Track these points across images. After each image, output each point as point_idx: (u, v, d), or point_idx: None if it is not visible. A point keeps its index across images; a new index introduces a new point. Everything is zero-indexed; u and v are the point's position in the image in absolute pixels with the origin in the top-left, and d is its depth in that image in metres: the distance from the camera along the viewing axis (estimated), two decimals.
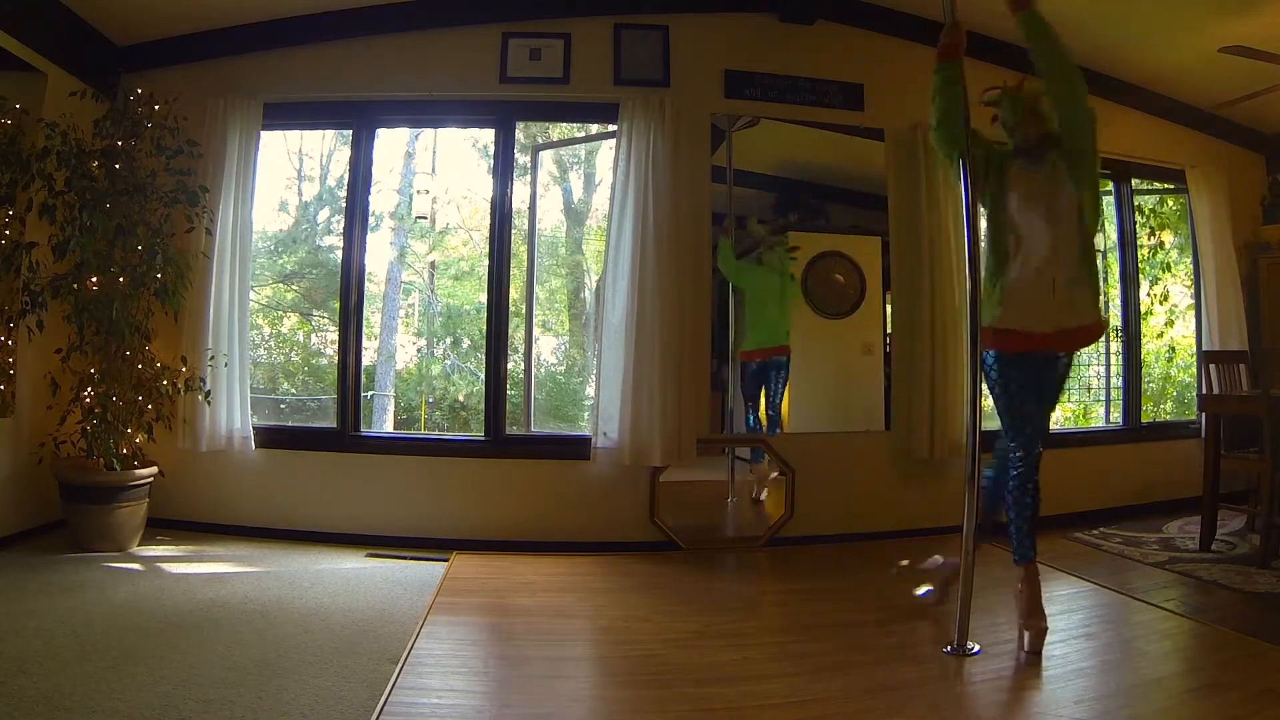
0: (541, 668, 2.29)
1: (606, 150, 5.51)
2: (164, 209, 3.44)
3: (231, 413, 3.60)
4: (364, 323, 4.07)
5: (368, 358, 6.26)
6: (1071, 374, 3.79)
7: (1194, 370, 4.90)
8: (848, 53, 4.01)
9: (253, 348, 4.83)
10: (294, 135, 6.57)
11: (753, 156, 4.02)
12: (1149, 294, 4.93)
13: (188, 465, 3.61)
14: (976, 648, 2.35)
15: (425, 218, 6.83)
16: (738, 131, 3.94)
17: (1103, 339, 4.84)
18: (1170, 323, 5.06)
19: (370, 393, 6.49)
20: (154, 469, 3.44)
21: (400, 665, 2.19)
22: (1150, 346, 4.97)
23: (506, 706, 2.05)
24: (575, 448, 3.67)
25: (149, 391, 3.43)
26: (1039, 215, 2.35)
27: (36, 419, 3.37)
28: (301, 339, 6.66)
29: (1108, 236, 5.04)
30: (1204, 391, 4.10)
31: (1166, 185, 4.98)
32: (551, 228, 6.85)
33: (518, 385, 4.44)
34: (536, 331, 5.35)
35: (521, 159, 4.44)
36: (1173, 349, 5.20)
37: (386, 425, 6.66)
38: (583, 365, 6.56)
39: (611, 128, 3.79)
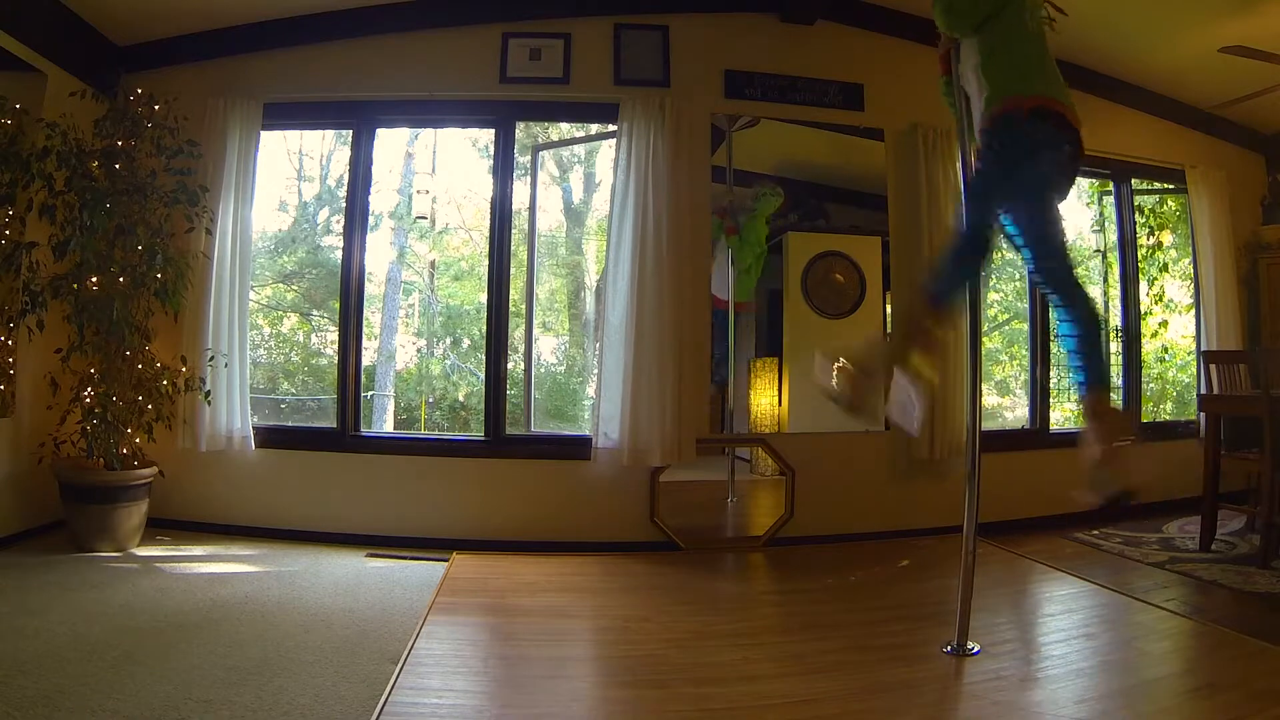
0: (541, 668, 2.28)
1: (606, 150, 5.52)
2: (164, 209, 3.44)
3: (231, 413, 3.60)
4: (364, 323, 4.07)
5: (368, 358, 6.26)
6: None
7: (1193, 370, 4.90)
8: (848, 53, 4.01)
9: (253, 348, 4.83)
10: (294, 135, 6.58)
11: (753, 156, 4.02)
12: (1149, 294, 4.93)
13: (188, 465, 3.61)
14: (976, 648, 2.35)
15: (425, 218, 6.83)
16: (738, 131, 3.95)
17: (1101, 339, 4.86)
18: (1165, 324, 5.06)
19: (370, 393, 6.50)
20: (154, 469, 3.44)
21: (400, 665, 2.19)
22: (1148, 346, 4.96)
23: (506, 706, 2.04)
24: (575, 448, 3.67)
25: (149, 391, 3.43)
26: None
27: (36, 419, 3.37)
28: (301, 339, 6.66)
29: (1107, 237, 5.05)
30: (1204, 391, 4.09)
31: (1166, 185, 4.98)
32: (551, 228, 6.85)
33: (518, 385, 4.44)
34: (536, 331, 5.36)
35: (521, 159, 4.45)
36: (1166, 349, 5.19)
37: (386, 425, 6.66)
38: (583, 365, 6.56)
39: (611, 128, 3.79)
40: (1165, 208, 5.14)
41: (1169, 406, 5.33)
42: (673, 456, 3.53)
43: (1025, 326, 4.70)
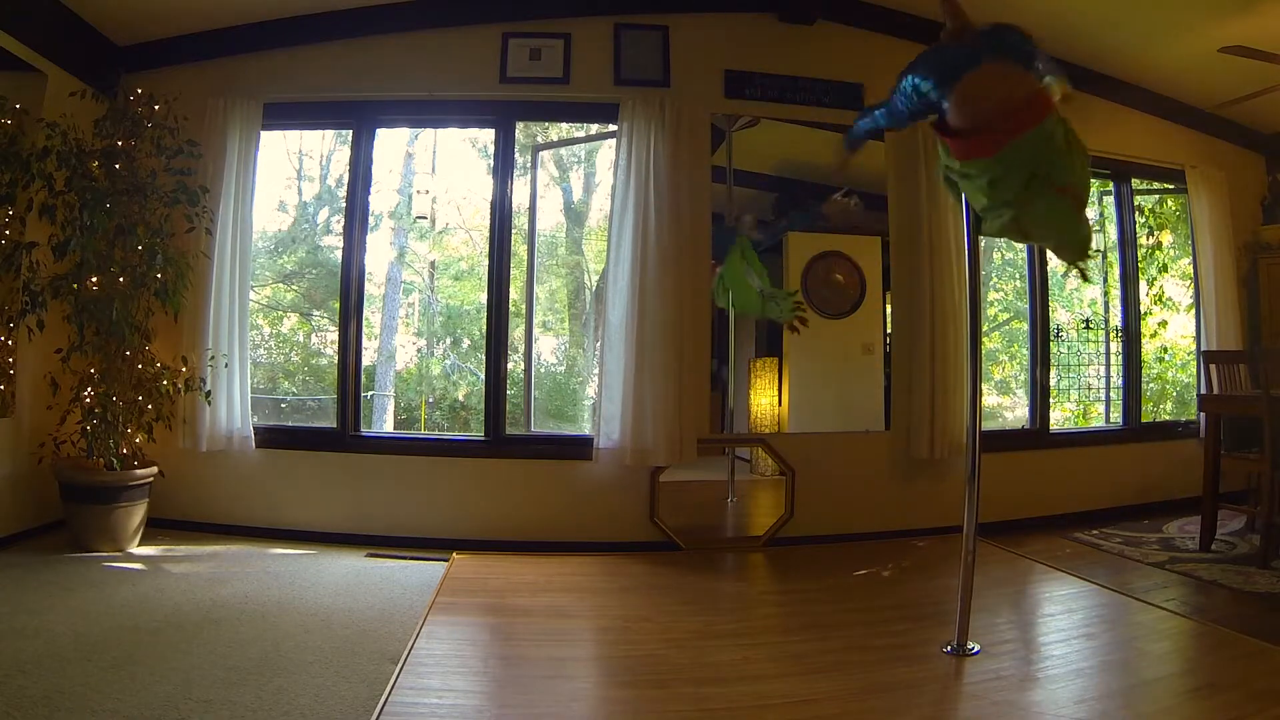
0: (541, 668, 2.29)
1: (606, 150, 5.51)
2: (164, 209, 3.44)
3: (231, 413, 3.60)
4: (364, 323, 4.07)
5: (368, 358, 6.26)
6: (1072, 373, 3.59)
7: (1193, 370, 4.90)
8: (848, 53, 4.01)
9: (253, 348, 4.83)
10: (294, 135, 6.57)
11: (753, 156, 4.02)
12: (1148, 294, 4.93)
13: (188, 465, 3.61)
14: (976, 648, 2.35)
15: (425, 218, 6.83)
16: (738, 131, 3.94)
17: (1103, 339, 4.87)
18: (1165, 324, 5.06)
19: (370, 393, 6.49)
20: (154, 469, 3.44)
21: (400, 665, 2.19)
22: (1148, 346, 4.97)
23: (506, 706, 2.05)
24: (575, 448, 3.67)
25: (149, 391, 3.43)
26: None
27: (36, 419, 3.37)
28: (301, 339, 6.66)
29: (1107, 236, 5.05)
30: (1204, 391, 4.10)
31: (1166, 185, 4.98)
32: (551, 228, 6.85)
33: (518, 385, 4.44)
34: (536, 331, 5.36)
35: (521, 159, 4.44)
36: (1166, 349, 5.20)
37: (386, 425, 6.66)
38: (583, 365, 6.56)
39: (611, 128, 3.79)
40: (1165, 208, 5.14)
41: (1169, 406, 5.33)
42: (675, 456, 3.54)
43: (1025, 326, 4.70)
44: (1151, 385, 5.18)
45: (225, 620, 2.51)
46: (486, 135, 5.41)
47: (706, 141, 3.84)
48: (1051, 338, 4.53)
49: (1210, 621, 2.61)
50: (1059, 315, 5.95)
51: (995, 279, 6.98)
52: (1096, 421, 4.98)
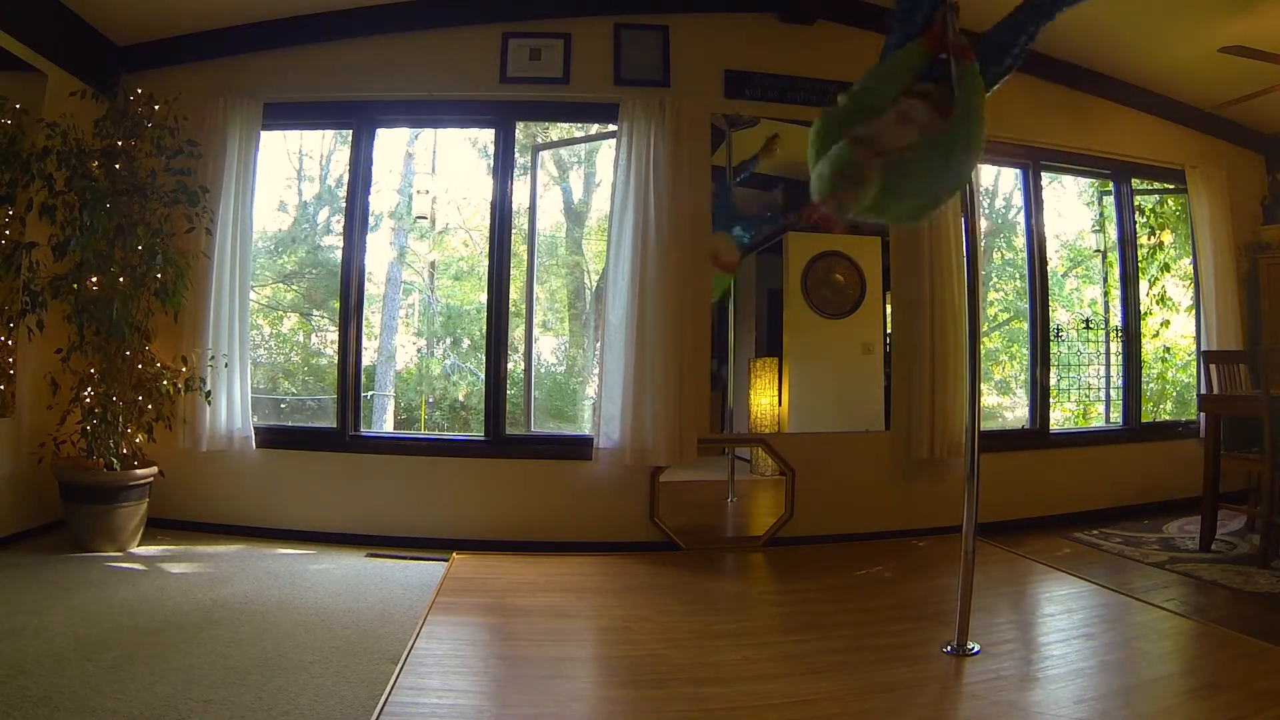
0: (541, 668, 2.29)
1: (606, 150, 5.52)
2: (164, 209, 3.44)
3: (232, 413, 3.60)
4: (364, 323, 4.07)
5: (368, 358, 6.27)
6: (1072, 373, 3.59)
7: (1193, 370, 4.90)
8: (848, 53, 3.99)
9: (253, 348, 4.83)
10: (294, 135, 6.58)
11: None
12: (1149, 294, 4.93)
13: (188, 465, 3.61)
14: (976, 648, 2.35)
15: (425, 218, 6.84)
16: (738, 131, 3.94)
17: (1103, 339, 4.87)
18: (1166, 324, 5.06)
19: (370, 393, 6.50)
20: (154, 469, 3.44)
21: (400, 665, 2.19)
22: (1149, 346, 4.97)
23: (506, 706, 2.05)
24: (575, 448, 3.67)
25: (149, 391, 3.43)
26: None
27: (36, 419, 3.37)
28: (301, 339, 6.67)
29: (1108, 237, 5.05)
30: (1204, 391, 4.10)
31: (1166, 185, 4.98)
32: (551, 228, 6.86)
33: (518, 385, 4.45)
34: (536, 331, 5.36)
35: (521, 159, 4.45)
36: (1167, 349, 5.20)
37: (386, 425, 6.67)
38: (583, 365, 6.57)
39: (611, 128, 3.79)
40: (1165, 208, 5.14)
41: (1169, 406, 5.34)
42: (675, 457, 3.53)
43: (1025, 326, 4.70)
44: (1152, 385, 5.18)
45: (225, 620, 2.51)
46: (486, 135, 5.42)
47: (706, 141, 3.84)
48: (1051, 338, 4.53)
49: (1210, 621, 2.61)
50: (1059, 315, 5.96)
51: (995, 279, 6.98)
52: (1096, 421, 4.98)
